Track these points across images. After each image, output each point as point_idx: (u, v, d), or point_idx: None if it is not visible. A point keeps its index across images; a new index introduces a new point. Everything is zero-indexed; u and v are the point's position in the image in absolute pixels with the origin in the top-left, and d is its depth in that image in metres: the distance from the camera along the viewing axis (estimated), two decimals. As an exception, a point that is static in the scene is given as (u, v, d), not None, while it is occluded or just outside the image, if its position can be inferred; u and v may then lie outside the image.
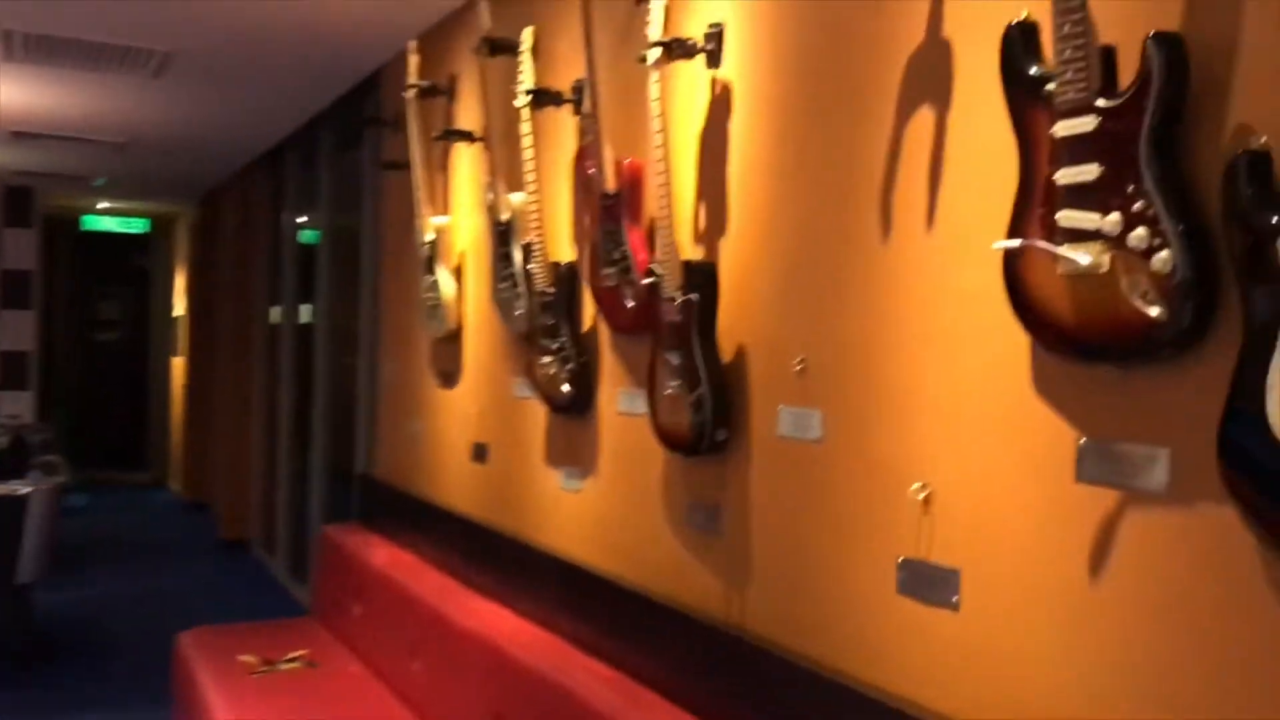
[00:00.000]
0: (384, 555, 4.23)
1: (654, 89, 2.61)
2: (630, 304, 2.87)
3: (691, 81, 2.72)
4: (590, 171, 2.99)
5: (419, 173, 4.23)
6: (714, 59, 2.63)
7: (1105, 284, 1.61)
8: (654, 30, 2.62)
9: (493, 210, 3.62)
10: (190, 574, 7.98)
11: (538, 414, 3.54)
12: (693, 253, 2.69)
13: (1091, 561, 1.72)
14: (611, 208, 2.90)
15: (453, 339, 4.22)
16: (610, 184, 2.91)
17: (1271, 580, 1.47)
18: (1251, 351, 1.41)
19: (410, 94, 4.21)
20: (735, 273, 2.55)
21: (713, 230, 2.66)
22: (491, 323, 3.90)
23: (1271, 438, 1.38)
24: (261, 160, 8.04)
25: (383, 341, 5.20)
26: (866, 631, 2.16)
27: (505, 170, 3.60)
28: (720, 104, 2.64)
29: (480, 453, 3.99)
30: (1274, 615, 1.47)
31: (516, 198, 3.53)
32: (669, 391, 2.63)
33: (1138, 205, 1.56)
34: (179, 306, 11.69)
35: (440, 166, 4.39)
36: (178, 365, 11.58)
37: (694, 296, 2.54)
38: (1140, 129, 1.55)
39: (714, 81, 2.66)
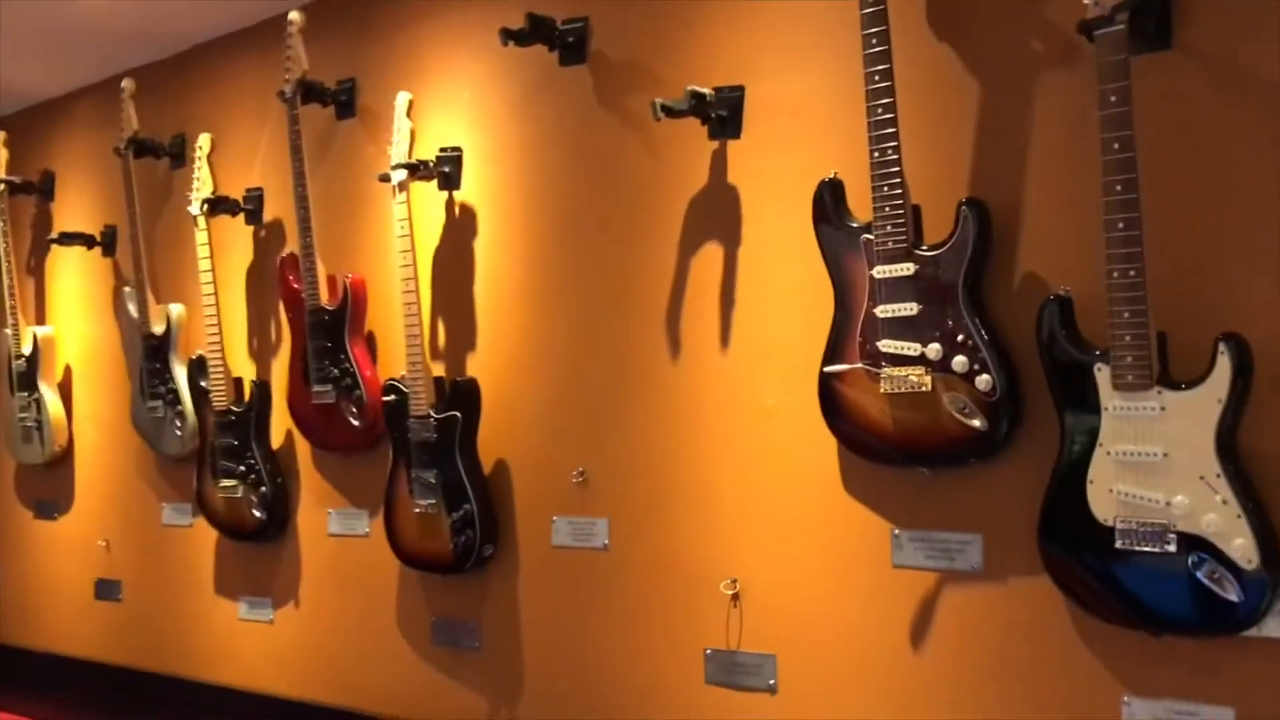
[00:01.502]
0: (-21, 721, 3.62)
1: (399, 209, 2.61)
2: (355, 422, 2.81)
3: (425, 202, 2.75)
4: (295, 285, 2.89)
5: (12, 278, 3.75)
6: (450, 181, 2.69)
7: (926, 401, 1.94)
8: (399, 151, 2.63)
9: (139, 322, 3.32)
10: None
11: (202, 542, 3.29)
12: (433, 369, 2.70)
13: (912, 636, 2.03)
14: (328, 324, 2.82)
15: (57, 463, 3.75)
16: (325, 299, 2.84)
17: (1082, 633, 1.85)
18: (1071, 454, 1.78)
19: (-2, 190, 3.74)
20: (491, 389, 2.60)
21: (458, 347, 2.70)
22: (120, 443, 3.54)
23: (1092, 520, 1.76)
24: None
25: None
26: (674, 724, 2.31)
27: (151, 278, 3.34)
28: (462, 225, 2.70)
29: (109, 590, 3.59)
30: (1086, 661, 1.84)
31: (175, 309, 3.28)
32: (420, 510, 2.61)
33: (959, 337, 1.90)
34: None
35: (29, 271, 3.92)
36: None
37: (457, 413, 2.56)
38: (958, 275, 1.90)
39: (451, 202, 2.72)
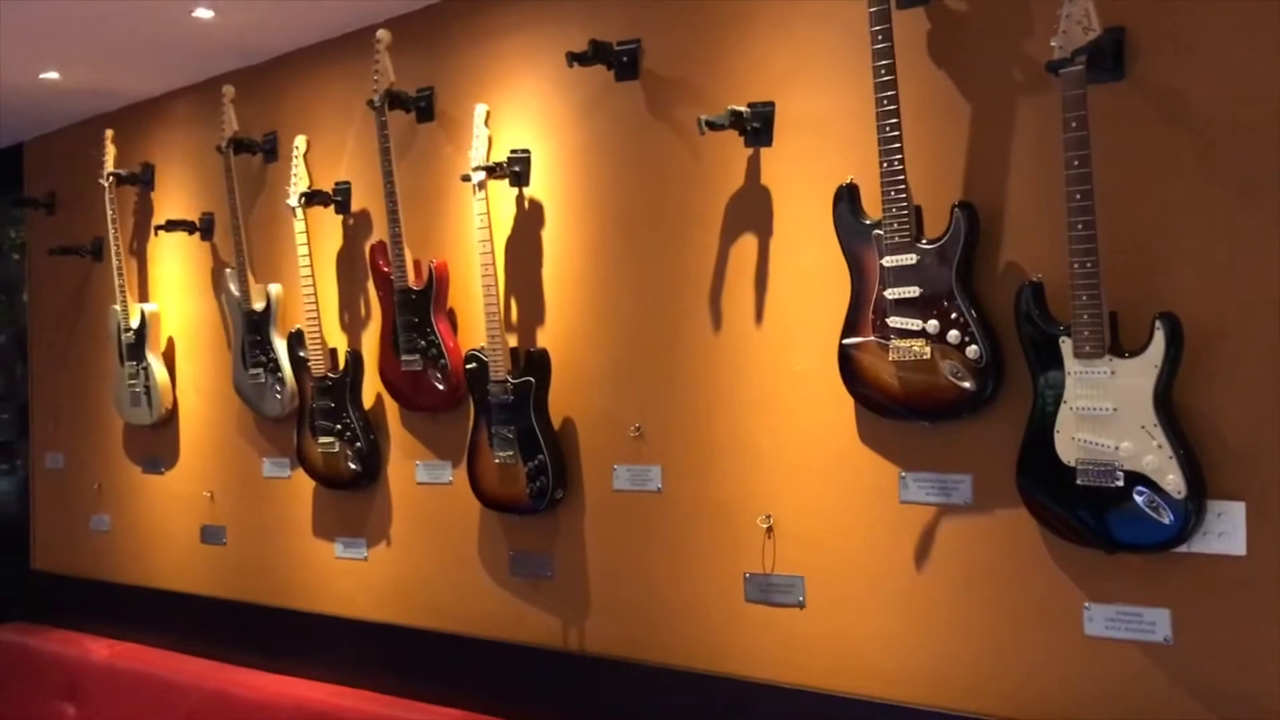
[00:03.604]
0: (104, 649, 4.13)
1: (478, 205, 3.05)
2: (440, 386, 3.26)
3: (498, 197, 3.18)
4: (385, 269, 3.34)
5: (121, 260, 4.21)
6: (520, 179, 3.12)
7: (927, 367, 2.37)
8: (478, 155, 3.07)
9: (240, 299, 3.78)
10: None
11: (300, 492, 3.76)
12: (509, 341, 3.15)
13: (916, 558, 2.47)
14: (415, 302, 3.27)
15: (164, 424, 4.24)
16: (412, 280, 3.28)
17: (1052, 552, 2.29)
18: (1042, 409, 2.22)
19: (108, 181, 4.20)
20: (559, 357, 3.05)
21: (528, 321, 3.14)
22: (221, 406, 4.02)
23: (1058, 462, 2.20)
24: None
25: (37, 431, 4.95)
26: (719, 636, 2.77)
27: (250, 260, 3.79)
28: (530, 217, 3.14)
29: (214, 535, 4.08)
30: (1054, 574, 2.29)
31: (274, 288, 3.74)
32: (499, 461, 3.07)
33: (953, 315, 2.33)
34: None
35: (133, 253, 4.38)
36: None
37: (531, 379, 3.01)
38: (952, 265, 2.33)
39: (521, 197, 3.16)
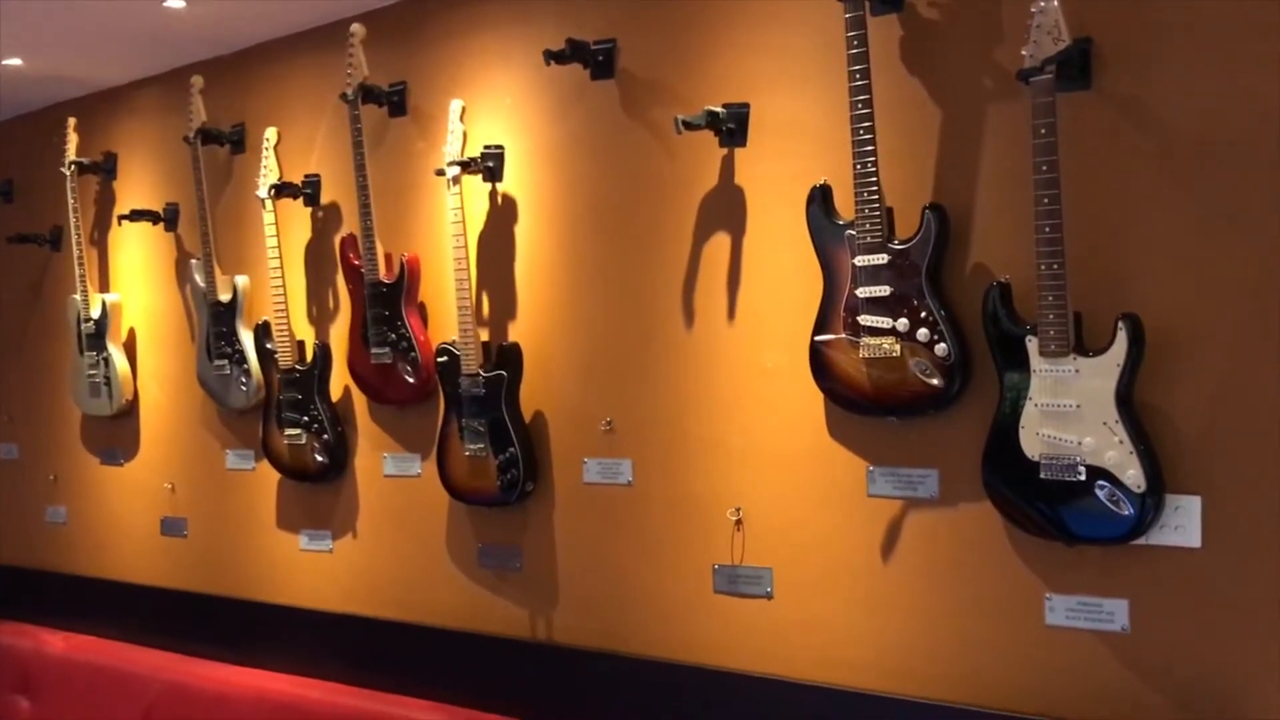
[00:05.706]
0: (59, 641, 4.09)
1: (453, 199, 3.08)
2: (411, 380, 3.28)
3: (470, 192, 3.20)
4: (355, 262, 3.35)
5: (81, 249, 4.17)
6: (494, 175, 3.15)
7: (896, 364, 2.44)
8: (452, 150, 3.09)
9: (206, 290, 3.77)
10: None
11: (264, 484, 3.76)
12: (481, 334, 3.17)
13: (883, 551, 2.54)
14: (386, 295, 3.29)
15: (123, 415, 4.20)
16: (383, 274, 3.30)
17: (1015, 545, 2.36)
18: (1007, 406, 2.29)
19: (69, 170, 4.16)
20: (531, 351, 3.08)
21: (500, 315, 3.17)
22: (183, 398, 4.00)
23: (1022, 456, 2.27)
24: None
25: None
26: (687, 627, 2.82)
27: (216, 252, 3.78)
28: (503, 213, 3.17)
29: (174, 527, 4.06)
30: (1017, 566, 2.36)
31: (241, 279, 3.73)
32: (470, 454, 3.10)
33: (923, 314, 2.40)
34: None
35: (94, 243, 4.34)
36: None
37: (503, 372, 3.04)
38: (922, 265, 2.40)
39: (495, 193, 3.19)
